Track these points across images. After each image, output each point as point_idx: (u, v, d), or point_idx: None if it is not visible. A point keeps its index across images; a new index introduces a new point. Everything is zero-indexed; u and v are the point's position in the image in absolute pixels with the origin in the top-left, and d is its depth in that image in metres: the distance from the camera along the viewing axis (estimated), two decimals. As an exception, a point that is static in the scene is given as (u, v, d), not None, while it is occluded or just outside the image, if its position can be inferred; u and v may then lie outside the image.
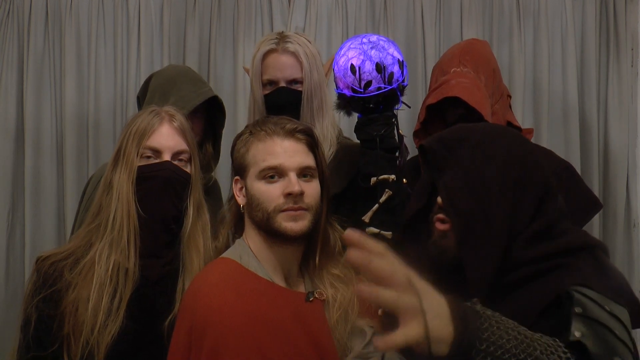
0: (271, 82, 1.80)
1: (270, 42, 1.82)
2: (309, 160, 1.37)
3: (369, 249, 0.79)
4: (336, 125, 1.88)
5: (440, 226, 1.23)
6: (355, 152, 1.73)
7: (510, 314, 1.12)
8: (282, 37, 1.82)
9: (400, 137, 1.65)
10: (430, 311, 0.80)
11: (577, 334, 1.00)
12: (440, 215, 1.23)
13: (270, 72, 1.80)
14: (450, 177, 1.22)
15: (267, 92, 1.81)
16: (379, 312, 1.49)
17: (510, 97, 2.00)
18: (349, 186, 1.71)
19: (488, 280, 1.15)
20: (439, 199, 1.23)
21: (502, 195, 1.18)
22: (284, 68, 1.79)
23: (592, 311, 1.03)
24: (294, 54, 1.78)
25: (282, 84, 1.79)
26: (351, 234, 0.79)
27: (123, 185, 1.42)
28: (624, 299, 1.11)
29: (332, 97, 1.78)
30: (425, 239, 1.28)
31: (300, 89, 1.79)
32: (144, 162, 1.45)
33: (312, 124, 1.76)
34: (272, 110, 1.78)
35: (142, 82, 2.06)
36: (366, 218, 1.59)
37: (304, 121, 1.74)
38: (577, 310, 1.04)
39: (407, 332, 0.79)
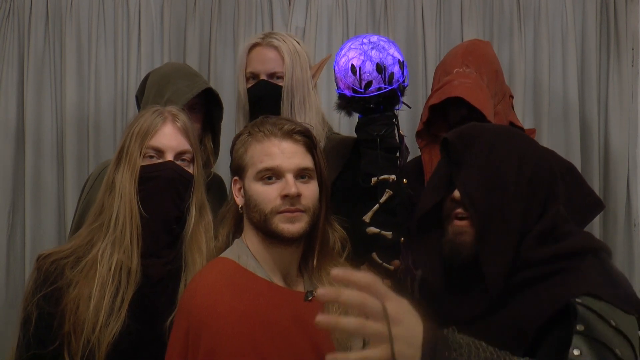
0: (253, 76, 1.84)
1: (256, 37, 1.87)
2: (306, 161, 1.37)
3: (357, 283, 0.83)
4: (326, 123, 1.90)
5: (458, 223, 1.24)
6: (343, 145, 1.73)
7: (514, 319, 1.14)
8: (268, 34, 1.87)
9: (401, 137, 1.65)
10: (400, 338, 0.84)
11: (575, 352, 1.01)
12: (459, 210, 1.24)
13: (252, 64, 1.84)
14: (468, 172, 1.24)
15: (249, 85, 1.84)
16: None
17: (512, 97, 2.00)
18: (338, 179, 1.71)
19: (504, 276, 1.17)
20: (456, 194, 1.24)
21: (517, 192, 1.20)
22: (265, 61, 1.82)
23: (595, 329, 1.03)
24: (277, 49, 1.82)
25: (263, 77, 1.82)
26: (336, 273, 0.84)
27: (125, 185, 1.43)
28: (632, 306, 1.11)
29: (333, 97, 1.78)
30: (436, 235, 1.30)
31: (281, 83, 1.81)
32: (146, 162, 1.45)
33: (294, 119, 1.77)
34: (254, 103, 1.82)
35: (142, 83, 2.07)
36: (366, 218, 1.59)
37: (284, 116, 1.76)
38: (579, 328, 1.04)
39: (371, 355, 0.85)
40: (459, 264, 1.24)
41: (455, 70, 1.84)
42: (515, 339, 1.12)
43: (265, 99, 1.80)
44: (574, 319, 1.05)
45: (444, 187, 1.30)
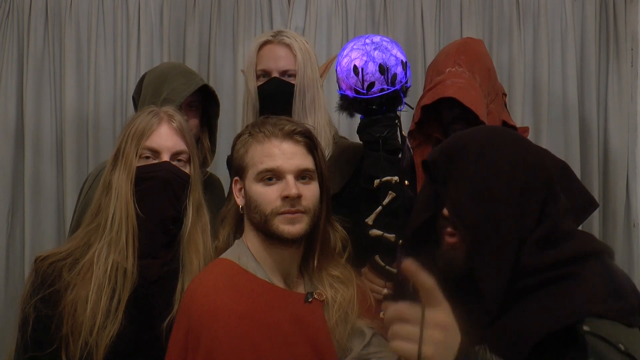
0: (265, 73, 1.81)
1: (267, 35, 1.85)
2: (307, 162, 1.37)
3: (420, 283, 0.91)
4: (332, 125, 1.88)
5: (449, 239, 1.21)
6: (352, 151, 1.72)
7: (513, 330, 1.12)
8: (279, 32, 1.85)
9: (403, 138, 1.64)
10: (431, 342, 0.89)
11: None
12: (450, 230, 1.21)
13: (264, 62, 1.81)
14: (455, 189, 1.20)
15: (260, 83, 1.82)
16: (381, 314, 1.49)
17: (505, 95, 1.98)
18: (347, 186, 1.71)
19: (502, 291, 1.14)
20: (445, 211, 1.21)
21: (509, 203, 1.16)
22: (277, 59, 1.80)
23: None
24: (289, 46, 1.80)
25: (275, 75, 1.80)
26: (407, 265, 0.92)
27: (122, 185, 1.42)
28: (635, 316, 1.09)
29: (334, 98, 1.78)
30: (431, 249, 1.27)
31: (293, 81, 1.79)
32: (142, 163, 1.44)
33: (304, 118, 1.76)
34: (265, 101, 1.79)
35: (142, 83, 2.07)
36: (370, 220, 1.58)
37: (295, 114, 1.76)
38: None
39: (402, 347, 0.91)
40: (455, 278, 1.21)
41: (447, 70, 1.82)
42: (513, 351, 1.11)
43: (277, 97, 1.78)
44: (584, 351, 1.03)
45: (433, 204, 1.26)
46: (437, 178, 1.25)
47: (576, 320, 1.07)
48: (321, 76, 1.85)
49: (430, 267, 1.26)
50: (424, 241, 1.30)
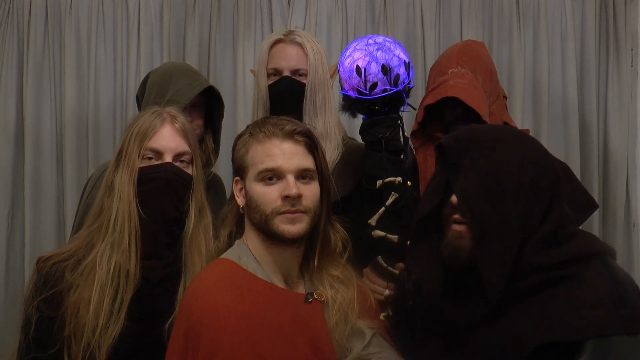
0: (276, 72, 1.81)
1: (278, 34, 1.85)
2: (307, 162, 1.37)
3: None
4: (342, 126, 1.88)
5: (456, 227, 1.23)
6: (361, 153, 1.73)
7: (514, 330, 1.13)
8: (290, 32, 1.85)
9: (406, 139, 1.65)
10: None
11: None
12: (457, 216, 1.23)
13: (275, 61, 1.81)
14: (466, 177, 1.22)
15: (271, 82, 1.81)
16: (381, 316, 1.49)
17: (506, 97, 2.00)
18: (357, 188, 1.71)
19: (503, 281, 1.16)
20: (454, 198, 1.23)
21: (516, 197, 1.18)
22: (289, 57, 1.80)
23: None
24: (301, 45, 1.80)
25: (287, 74, 1.79)
26: None
27: (124, 186, 1.42)
28: (637, 319, 1.10)
29: (337, 99, 1.78)
30: (437, 238, 1.29)
31: (304, 81, 1.79)
32: (145, 164, 1.44)
33: (315, 118, 1.76)
34: (275, 100, 1.79)
35: (142, 83, 2.06)
36: (372, 221, 1.59)
37: (306, 114, 1.76)
38: None
39: None
40: (460, 268, 1.23)
41: (450, 71, 1.83)
42: (513, 351, 1.11)
43: (288, 96, 1.78)
44: None
45: (442, 191, 1.28)
46: (449, 163, 1.27)
47: (581, 338, 1.07)
48: (331, 77, 1.86)
49: (435, 257, 1.28)
50: (430, 231, 1.31)
